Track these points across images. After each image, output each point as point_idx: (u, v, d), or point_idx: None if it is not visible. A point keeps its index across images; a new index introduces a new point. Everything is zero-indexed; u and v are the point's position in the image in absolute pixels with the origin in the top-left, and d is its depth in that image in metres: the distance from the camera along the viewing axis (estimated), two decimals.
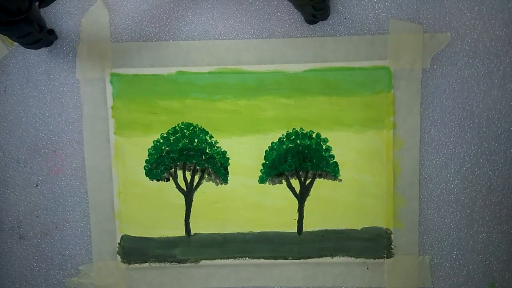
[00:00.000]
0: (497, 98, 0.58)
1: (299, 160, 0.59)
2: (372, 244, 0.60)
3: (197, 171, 0.59)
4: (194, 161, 0.59)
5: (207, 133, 0.59)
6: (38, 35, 0.52)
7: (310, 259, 0.60)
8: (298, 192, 0.59)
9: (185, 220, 0.60)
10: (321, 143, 0.58)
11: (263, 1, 0.57)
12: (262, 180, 0.59)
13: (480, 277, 0.60)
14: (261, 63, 0.58)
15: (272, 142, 0.59)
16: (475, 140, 0.58)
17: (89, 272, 0.61)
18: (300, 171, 0.59)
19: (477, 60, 0.57)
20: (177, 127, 0.59)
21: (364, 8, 0.57)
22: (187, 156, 0.59)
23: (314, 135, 0.58)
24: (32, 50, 0.58)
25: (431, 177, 0.59)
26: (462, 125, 0.58)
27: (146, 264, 0.60)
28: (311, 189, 0.59)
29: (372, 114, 0.58)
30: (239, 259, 0.60)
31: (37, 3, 0.48)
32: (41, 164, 0.60)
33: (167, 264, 0.60)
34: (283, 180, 0.59)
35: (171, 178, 0.59)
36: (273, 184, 0.59)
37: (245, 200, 0.59)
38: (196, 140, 0.59)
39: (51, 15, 0.58)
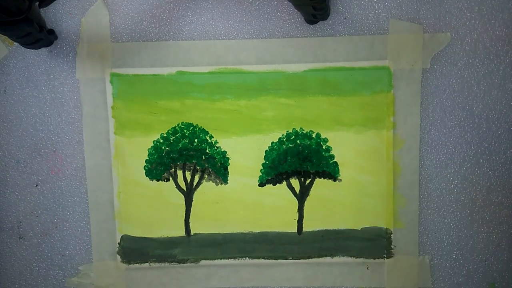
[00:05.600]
0: (497, 98, 0.58)
1: (299, 160, 0.59)
2: (372, 244, 0.60)
3: (197, 171, 0.59)
4: (194, 161, 0.59)
5: (207, 133, 0.59)
6: (38, 35, 0.52)
7: (310, 259, 0.60)
8: (298, 192, 0.59)
9: (185, 220, 0.60)
10: (321, 143, 0.58)
11: (263, 1, 0.57)
12: (262, 180, 0.59)
13: (480, 277, 0.60)
14: (261, 63, 0.58)
15: (272, 142, 0.59)
16: (475, 140, 0.58)
17: (89, 272, 0.61)
18: (300, 171, 0.59)
19: (477, 60, 0.57)
20: (177, 127, 0.59)
21: (364, 8, 0.57)
22: (187, 156, 0.59)
23: (314, 135, 0.58)
24: (32, 50, 0.58)
25: (431, 177, 0.59)
26: (462, 125, 0.58)
27: (146, 264, 0.60)
28: (311, 189, 0.59)
29: (372, 114, 0.58)
30: (239, 259, 0.60)
31: (37, 3, 0.48)
32: (41, 164, 0.60)
33: (167, 264, 0.60)
34: (283, 180, 0.59)
35: (171, 178, 0.59)
36: (273, 184, 0.59)
37: (245, 200, 0.59)
38: (196, 140, 0.59)
39: (51, 15, 0.58)
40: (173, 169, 0.59)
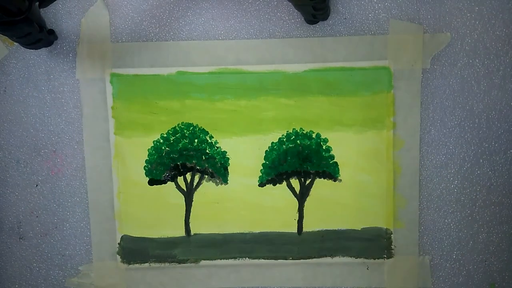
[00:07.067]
0: (497, 98, 0.58)
1: (299, 160, 0.58)
2: (372, 244, 0.60)
3: (197, 171, 0.59)
4: (194, 161, 0.59)
5: (207, 133, 0.59)
6: (38, 35, 0.52)
7: (310, 259, 0.60)
8: (298, 192, 0.59)
9: (185, 220, 0.60)
10: (321, 143, 0.58)
11: (263, 1, 0.57)
12: (262, 180, 0.59)
13: (480, 277, 0.60)
14: (261, 63, 0.58)
15: (272, 142, 0.59)
16: (475, 140, 0.58)
17: (89, 272, 0.61)
18: (300, 171, 0.59)
19: (477, 60, 0.57)
20: (177, 127, 0.59)
21: (364, 8, 0.57)
22: (187, 156, 0.59)
23: (314, 135, 0.58)
24: (32, 50, 0.58)
25: (431, 177, 0.59)
26: (462, 125, 0.58)
27: (146, 264, 0.60)
28: (311, 189, 0.59)
29: (372, 114, 0.58)
30: (239, 259, 0.60)
31: (37, 3, 0.48)
32: (41, 164, 0.60)
33: (167, 264, 0.60)
34: (283, 180, 0.59)
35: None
36: (273, 184, 0.59)
37: (245, 200, 0.59)
38: (196, 140, 0.59)
39: (51, 15, 0.58)
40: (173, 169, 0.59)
